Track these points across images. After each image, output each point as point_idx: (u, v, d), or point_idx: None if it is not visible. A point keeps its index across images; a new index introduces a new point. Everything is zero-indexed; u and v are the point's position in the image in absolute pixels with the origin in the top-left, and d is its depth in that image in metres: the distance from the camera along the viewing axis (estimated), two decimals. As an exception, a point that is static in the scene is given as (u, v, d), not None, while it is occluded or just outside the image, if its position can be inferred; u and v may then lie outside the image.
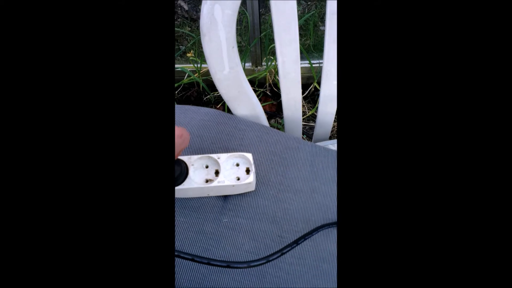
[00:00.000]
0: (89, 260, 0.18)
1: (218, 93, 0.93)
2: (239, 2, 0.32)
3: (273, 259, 0.30)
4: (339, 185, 0.19)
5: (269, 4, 0.34)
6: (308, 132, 0.90)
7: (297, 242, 0.33)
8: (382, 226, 0.18)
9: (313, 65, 0.89)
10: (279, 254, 0.31)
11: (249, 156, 0.37)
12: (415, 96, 0.18)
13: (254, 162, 0.39)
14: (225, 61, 0.36)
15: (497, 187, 0.17)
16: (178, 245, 0.35)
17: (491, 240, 0.17)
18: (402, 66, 0.18)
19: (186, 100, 0.94)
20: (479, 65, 0.17)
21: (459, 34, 0.17)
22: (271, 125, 0.88)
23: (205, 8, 0.32)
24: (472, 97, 0.17)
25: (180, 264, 0.34)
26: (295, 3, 0.34)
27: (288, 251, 0.31)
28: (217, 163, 0.36)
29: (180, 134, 0.26)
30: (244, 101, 0.42)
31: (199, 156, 0.37)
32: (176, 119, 0.44)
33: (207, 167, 0.37)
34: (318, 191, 0.40)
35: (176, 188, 0.35)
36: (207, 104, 0.93)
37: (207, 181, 0.36)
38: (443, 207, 0.18)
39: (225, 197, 0.38)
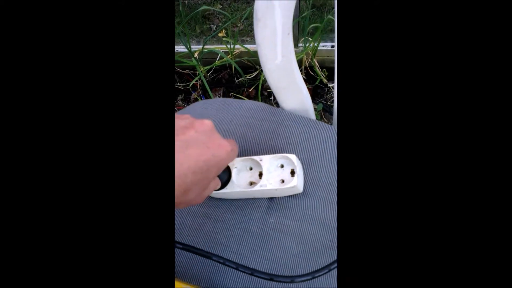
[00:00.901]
0: (93, 260, 0.18)
1: (251, 76, 0.90)
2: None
3: (319, 276, 0.28)
4: (339, 186, 0.20)
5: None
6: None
7: None
8: (382, 228, 0.18)
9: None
10: (327, 270, 0.28)
11: (292, 157, 0.34)
12: (414, 95, 0.18)
13: (301, 161, 0.36)
14: (278, 49, 0.33)
15: (496, 185, 0.17)
16: (224, 242, 0.34)
17: (492, 252, 0.17)
18: (402, 64, 0.18)
19: (217, 83, 0.91)
20: (477, 63, 0.18)
21: (459, 32, 0.18)
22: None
23: (262, -10, 0.28)
24: (469, 94, 0.18)
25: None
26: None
27: (335, 267, 0.29)
28: (260, 166, 0.34)
29: (231, 148, 0.28)
30: (293, 93, 0.39)
31: (242, 158, 0.34)
32: (219, 115, 0.41)
33: (251, 169, 0.35)
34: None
35: (219, 191, 0.33)
36: (239, 87, 0.90)
37: (251, 183, 0.34)
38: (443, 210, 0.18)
39: (271, 197, 0.36)
